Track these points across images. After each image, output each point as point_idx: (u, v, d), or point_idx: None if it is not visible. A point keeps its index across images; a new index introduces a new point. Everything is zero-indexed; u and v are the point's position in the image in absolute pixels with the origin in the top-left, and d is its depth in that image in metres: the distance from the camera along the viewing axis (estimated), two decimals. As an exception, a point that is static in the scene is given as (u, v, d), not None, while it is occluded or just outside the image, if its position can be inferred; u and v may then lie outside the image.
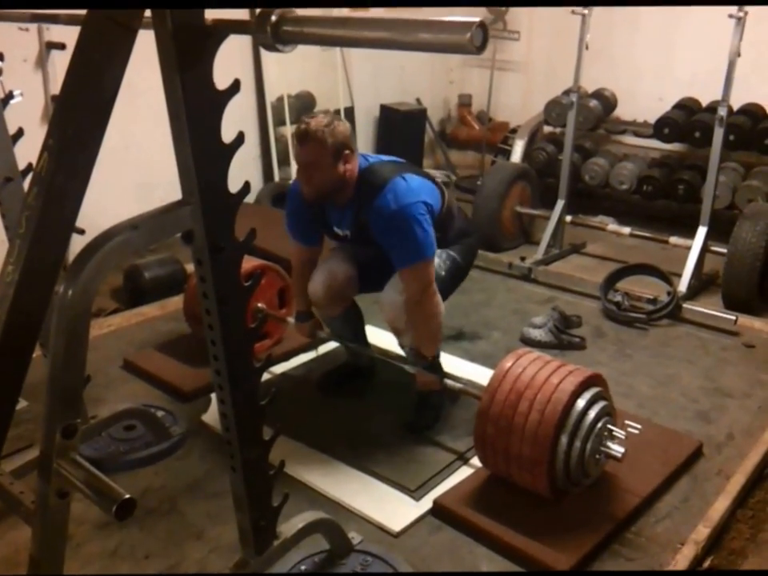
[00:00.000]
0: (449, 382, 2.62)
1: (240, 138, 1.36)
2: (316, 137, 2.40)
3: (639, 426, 2.31)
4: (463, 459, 2.55)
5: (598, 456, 2.26)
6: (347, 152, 2.45)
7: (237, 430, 1.60)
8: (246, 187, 1.41)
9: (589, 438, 2.21)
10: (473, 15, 1.09)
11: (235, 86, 1.29)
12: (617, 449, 2.25)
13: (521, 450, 2.20)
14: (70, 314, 1.27)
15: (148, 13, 1.21)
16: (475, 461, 2.51)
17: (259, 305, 3.10)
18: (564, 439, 2.18)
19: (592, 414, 2.22)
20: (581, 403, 2.21)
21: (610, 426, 2.26)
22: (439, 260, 2.70)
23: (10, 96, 2.00)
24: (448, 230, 2.73)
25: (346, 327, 2.97)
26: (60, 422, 1.33)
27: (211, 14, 1.25)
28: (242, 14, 4.85)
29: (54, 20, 2.18)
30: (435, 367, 2.68)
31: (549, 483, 2.21)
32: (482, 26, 1.00)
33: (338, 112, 5.68)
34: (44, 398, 1.34)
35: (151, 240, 1.37)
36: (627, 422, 2.33)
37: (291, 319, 3.02)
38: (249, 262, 3.15)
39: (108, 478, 2.40)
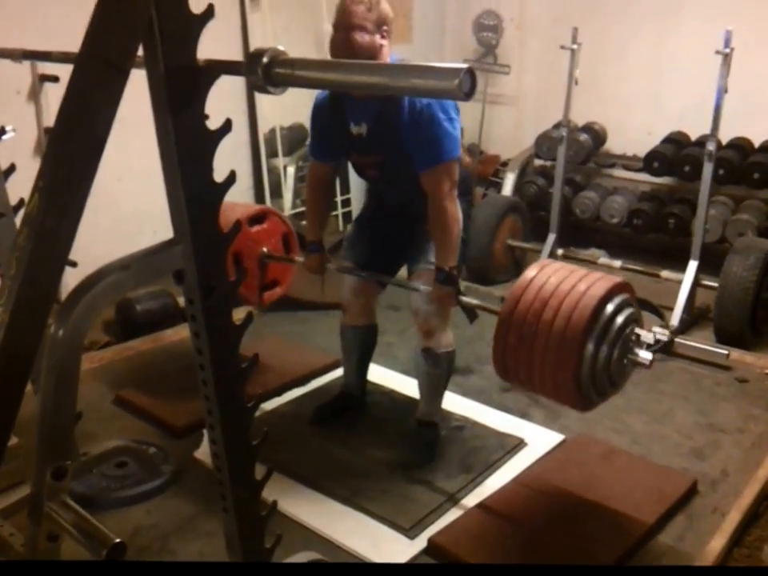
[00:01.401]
0: (464, 299, 2.52)
1: (232, 177, 1.36)
2: (376, 4, 2.45)
3: (666, 330, 2.24)
4: (456, 499, 2.52)
5: (624, 362, 2.18)
6: (386, 29, 2.48)
7: (228, 471, 1.58)
8: (237, 226, 1.41)
9: (616, 343, 2.13)
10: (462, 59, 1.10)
11: (227, 126, 1.29)
12: (644, 355, 2.17)
13: (545, 355, 2.12)
14: (60, 354, 1.26)
15: (140, 53, 1.21)
16: (470, 499, 2.50)
17: (264, 249, 3.02)
18: (591, 344, 2.10)
19: (620, 319, 2.14)
20: (609, 308, 2.13)
21: (637, 331, 2.19)
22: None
23: (2, 131, 2.00)
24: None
25: (357, 345, 2.98)
26: (50, 464, 1.31)
27: (203, 54, 1.26)
28: (234, 53, 4.94)
29: (47, 58, 2.19)
30: (452, 280, 2.54)
31: (575, 389, 2.13)
32: (469, 72, 1.01)
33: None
34: (34, 438, 1.32)
35: (142, 279, 1.36)
36: (655, 328, 2.26)
37: (300, 258, 2.97)
38: (250, 207, 3.12)
39: (99, 515, 2.39)
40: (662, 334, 2.21)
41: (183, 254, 1.37)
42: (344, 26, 2.46)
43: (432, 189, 2.49)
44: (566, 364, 2.09)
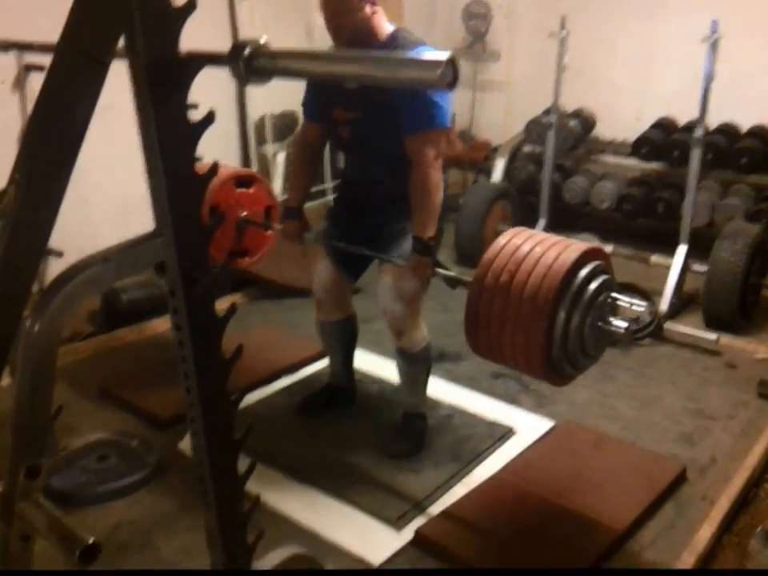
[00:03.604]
0: (440, 271, 2.46)
1: (213, 169, 1.32)
2: None
3: (644, 303, 2.19)
4: (445, 489, 2.50)
5: (599, 331, 2.08)
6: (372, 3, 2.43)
7: (210, 465, 1.55)
8: (220, 218, 1.38)
9: (589, 310, 2.04)
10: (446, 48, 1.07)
11: (209, 118, 1.26)
12: (618, 324, 2.08)
13: (516, 324, 2.04)
14: (35, 349, 1.22)
15: (121, 43, 1.17)
16: (458, 490, 2.47)
17: (243, 214, 2.91)
18: (563, 311, 2.01)
19: (593, 285, 2.05)
20: (582, 273, 2.04)
21: (614, 296, 2.10)
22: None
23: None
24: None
25: (339, 340, 2.94)
26: (24, 462, 1.27)
27: (192, 45, 1.22)
28: (219, 43, 4.86)
29: (29, 48, 2.13)
30: (428, 248, 2.47)
31: (547, 359, 2.04)
32: (451, 62, 0.98)
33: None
34: (9, 435, 1.29)
35: (123, 272, 1.33)
36: (634, 300, 2.16)
37: (278, 226, 2.88)
38: (239, 169, 3.06)
39: (79, 511, 2.38)
40: (640, 306, 2.13)
41: (165, 245, 1.34)
42: (327, 9, 2.42)
43: (417, 154, 2.42)
44: (536, 333, 2.00)
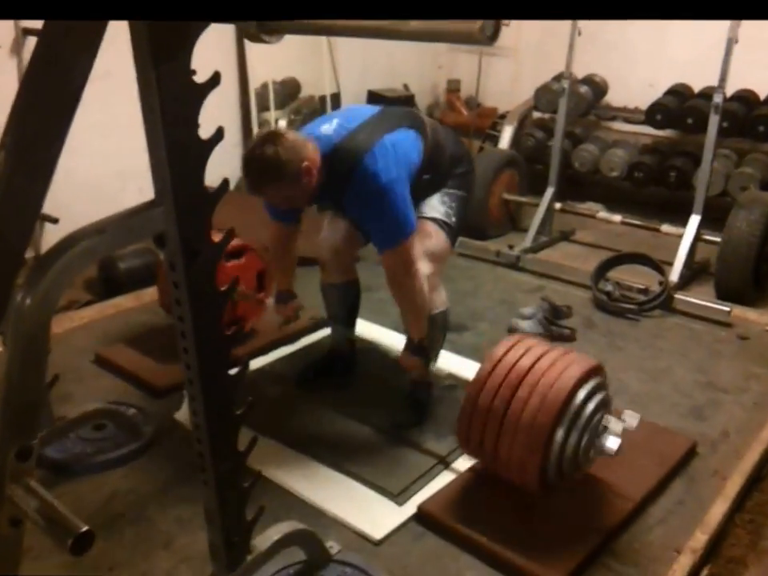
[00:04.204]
0: (433, 367, 2.50)
1: (219, 134, 1.23)
2: (269, 181, 2.27)
3: (638, 415, 2.17)
4: (446, 462, 2.43)
5: (591, 451, 2.13)
6: (303, 166, 2.25)
7: (210, 443, 1.47)
8: (225, 185, 1.28)
9: (586, 429, 2.08)
10: None
11: (214, 79, 1.16)
12: (610, 445, 2.11)
13: (513, 442, 2.07)
14: (27, 324, 1.14)
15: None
16: (461, 463, 2.40)
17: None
18: (561, 431, 2.05)
19: (591, 405, 2.09)
20: (581, 394, 2.08)
21: (606, 420, 2.13)
22: (444, 207, 2.60)
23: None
24: (440, 165, 2.60)
25: (343, 302, 2.88)
26: (15, 443, 1.20)
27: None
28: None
29: None
30: (421, 349, 2.52)
31: (539, 477, 2.08)
32: None
33: (323, 98, 5.55)
34: None
35: (119, 244, 1.24)
36: (627, 411, 2.19)
37: (271, 301, 2.88)
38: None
39: (74, 481, 2.32)
40: (633, 417, 2.17)
41: (165, 216, 1.25)
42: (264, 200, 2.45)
43: (391, 267, 2.40)
44: (534, 451, 2.05)
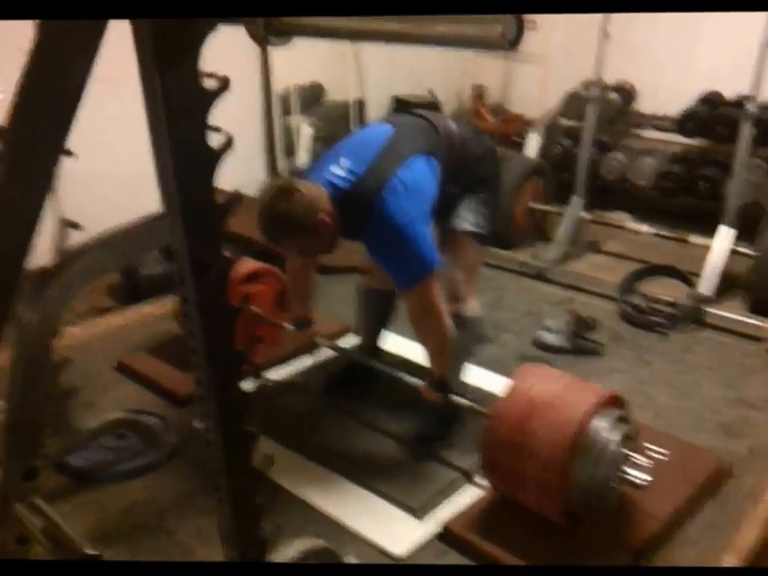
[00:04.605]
0: (454, 398, 2.46)
1: (228, 143, 1.19)
2: (285, 236, 2.25)
3: (664, 452, 2.13)
4: (470, 477, 2.40)
5: (616, 485, 2.08)
6: (318, 219, 2.21)
7: (224, 460, 1.45)
8: (237, 197, 1.25)
9: (606, 463, 2.04)
10: None
11: (224, 85, 1.12)
12: (638, 476, 2.06)
13: (531, 475, 2.04)
14: (29, 342, 1.12)
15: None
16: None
17: (255, 309, 2.97)
18: (578, 465, 2.01)
19: (610, 438, 2.05)
20: (596, 426, 2.04)
21: (629, 453, 2.09)
22: (473, 215, 2.54)
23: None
24: (462, 172, 2.53)
25: (378, 307, 2.88)
26: (20, 463, 1.18)
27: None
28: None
29: None
30: (443, 385, 2.48)
31: (561, 509, 2.05)
32: (516, 18, 0.84)
33: (348, 104, 5.54)
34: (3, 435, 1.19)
35: (124, 258, 1.22)
36: (649, 445, 2.16)
37: (289, 326, 2.88)
38: (247, 265, 3.01)
39: (96, 490, 2.31)
40: (660, 454, 2.11)
41: (172, 228, 1.22)
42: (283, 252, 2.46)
43: (412, 305, 2.36)
44: (551, 482, 2.02)
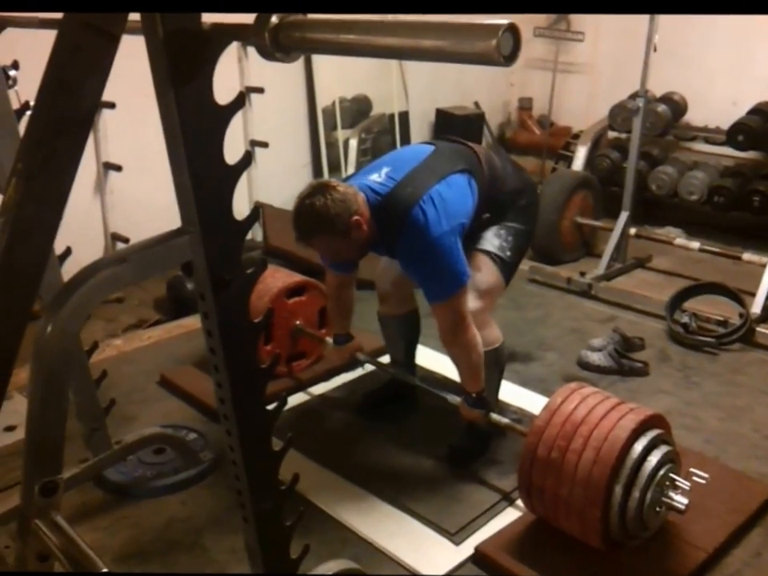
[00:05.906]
0: (494, 416, 2.42)
1: (246, 159, 1.20)
2: (317, 233, 2.24)
3: (706, 476, 2.06)
4: (509, 499, 2.35)
5: (658, 508, 2.02)
6: (352, 220, 2.21)
7: (248, 480, 1.44)
8: (255, 213, 1.25)
9: (648, 486, 1.98)
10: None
11: (239, 101, 1.13)
12: (680, 500, 2.01)
13: (571, 496, 1.99)
14: (48, 357, 1.13)
15: (136, 17, 1.05)
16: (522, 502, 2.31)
17: (297, 322, 2.99)
18: (619, 487, 1.96)
19: (652, 460, 1.99)
20: (638, 448, 1.99)
21: (672, 476, 2.03)
22: (499, 240, 2.53)
23: (26, 107, 1.87)
24: (499, 201, 2.52)
25: (402, 334, 2.83)
26: (39, 479, 1.19)
27: (211, 18, 1.09)
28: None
29: (28, 25, 1.97)
30: (481, 401, 2.44)
31: (602, 534, 1.99)
32: (511, 29, 0.81)
33: (392, 117, 5.54)
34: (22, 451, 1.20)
35: (142, 274, 1.22)
36: (693, 470, 2.09)
37: (330, 340, 2.87)
38: (290, 278, 3.02)
39: (133, 505, 2.33)
40: (702, 479, 2.08)
41: (191, 244, 1.22)
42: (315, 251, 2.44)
43: (443, 321, 2.34)
44: (591, 507, 1.97)
